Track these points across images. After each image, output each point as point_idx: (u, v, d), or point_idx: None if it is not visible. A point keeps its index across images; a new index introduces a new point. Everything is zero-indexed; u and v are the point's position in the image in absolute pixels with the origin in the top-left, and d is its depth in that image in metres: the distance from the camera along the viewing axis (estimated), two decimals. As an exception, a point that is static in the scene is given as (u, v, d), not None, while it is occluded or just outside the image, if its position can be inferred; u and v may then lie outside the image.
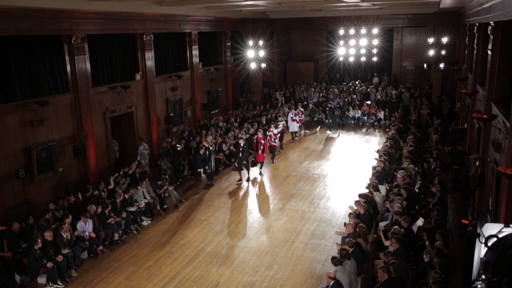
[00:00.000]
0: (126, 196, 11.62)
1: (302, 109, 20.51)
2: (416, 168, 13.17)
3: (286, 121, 19.73)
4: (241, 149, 14.42)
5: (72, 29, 12.29)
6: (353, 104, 23.18)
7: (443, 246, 8.13)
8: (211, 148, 14.54)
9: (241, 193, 14.11)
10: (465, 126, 15.63)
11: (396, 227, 9.07)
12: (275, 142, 16.64)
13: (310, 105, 22.20)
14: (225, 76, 22.23)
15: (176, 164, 14.82)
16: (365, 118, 22.61)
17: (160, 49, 17.16)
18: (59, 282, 9.14)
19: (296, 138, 19.98)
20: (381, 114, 22.39)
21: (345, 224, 9.88)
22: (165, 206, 12.76)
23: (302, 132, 20.84)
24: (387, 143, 15.38)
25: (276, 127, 17.40)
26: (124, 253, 10.42)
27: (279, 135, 17.31)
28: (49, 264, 9.07)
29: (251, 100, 24.32)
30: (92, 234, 10.17)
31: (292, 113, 19.58)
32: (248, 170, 14.82)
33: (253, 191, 14.28)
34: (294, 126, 19.55)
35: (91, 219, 10.43)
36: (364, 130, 21.66)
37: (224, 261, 9.89)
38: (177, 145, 14.87)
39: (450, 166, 14.57)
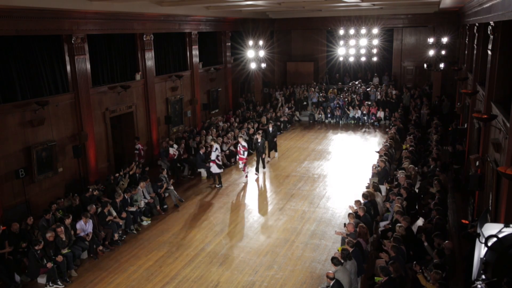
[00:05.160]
0: (126, 196, 11.63)
1: (244, 144, 14.25)
2: (416, 168, 13.18)
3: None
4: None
5: (72, 29, 12.29)
6: (353, 104, 23.19)
7: (448, 247, 8.08)
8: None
9: (241, 193, 14.11)
10: (465, 126, 15.61)
11: (399, 225, 9.07)
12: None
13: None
14: (225, 76, 22.22)
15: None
16: (365, 118, 22.62)
17: (160, 49, 17.16)
18: (59, 282, 9.13)
19: (218, 185, 14.17)
20: (381, 114, 22.41)
21: (345, 224, 9.88)
22: (165, 206, 12.76)
23: (244, 177, 14.93)
24: (387, 143, 15.39)
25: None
26: (124, 253, 10.42)
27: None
28: (49, 264, 9.06)
29: (251, 100, 24.32)
30: (90, 235, 10.16)
31: (217, 151, 13.81)
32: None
33: (253, 191, 14.29)
34: (215, 168, 13.98)
35: (91, 219, 10.43)
36: (364, 130, 21.68)
37: (224, 261, 9.89)
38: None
39: (450, 166, 14.58)
